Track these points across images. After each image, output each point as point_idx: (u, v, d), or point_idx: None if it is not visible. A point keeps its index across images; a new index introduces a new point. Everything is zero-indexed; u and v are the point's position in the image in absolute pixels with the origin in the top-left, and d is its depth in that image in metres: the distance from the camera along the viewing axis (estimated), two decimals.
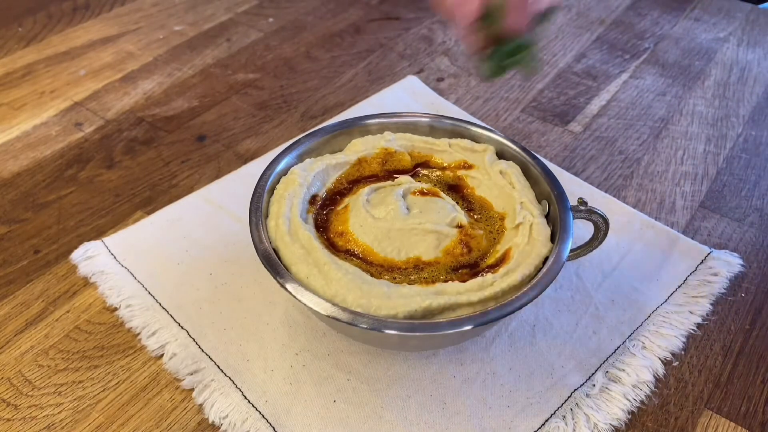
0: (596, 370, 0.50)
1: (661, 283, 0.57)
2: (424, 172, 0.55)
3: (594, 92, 0.81)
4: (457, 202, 0.52)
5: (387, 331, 0.41)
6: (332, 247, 0.48)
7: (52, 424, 0.47)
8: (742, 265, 0.59)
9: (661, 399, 0.49)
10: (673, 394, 0.50)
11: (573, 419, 0.47)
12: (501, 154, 0.55)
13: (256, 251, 0.46)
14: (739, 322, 0.55)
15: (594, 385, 0.49)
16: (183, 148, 0.73)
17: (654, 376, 0.50)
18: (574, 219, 0.48)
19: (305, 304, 0.43)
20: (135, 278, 0.56)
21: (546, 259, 0.46)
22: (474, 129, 0.56)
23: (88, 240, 0.61)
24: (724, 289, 0.57)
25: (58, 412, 0.48)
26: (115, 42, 0.91)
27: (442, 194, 0.52)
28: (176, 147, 0.73)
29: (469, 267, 0.48)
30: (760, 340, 0.54)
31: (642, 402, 0.49)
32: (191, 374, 0.50)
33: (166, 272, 0.57)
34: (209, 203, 0.64)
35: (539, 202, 0.51)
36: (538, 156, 0.54)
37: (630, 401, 0.48)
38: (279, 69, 0.86)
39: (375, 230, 0.48)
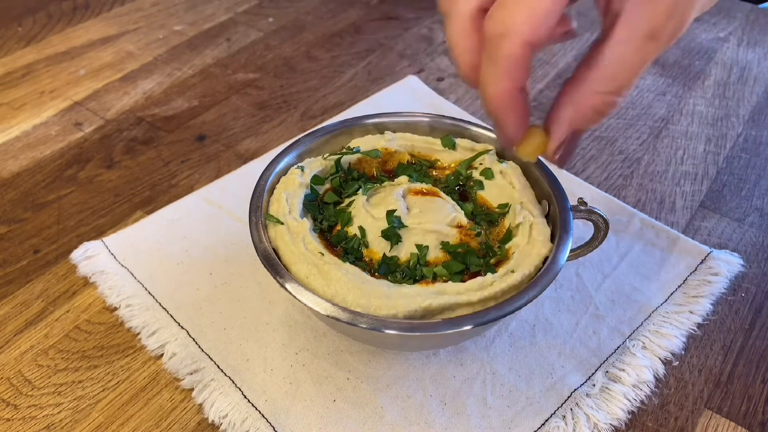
0: (596, 370, 0.50)
1: (661, 283, 0.57)
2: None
3: None
4: (457, 202, 0.52)
5: (387, 331, 0.41)
6: (332, 247, 0.48)
7: (52, 424, 0.47)
8: (742, 265, 0.59)
9: (661, 399, 0.49)
10: (673, 394, 0.50)
11: (573, 419, 0.47)
12: (501, 154, 0.55)
13: (256, 251, 0.46)
14: (739, 322, 0.55)
15: (594, 385, 0.49)
16: (183, 148, 0.73)
17: (654, 376, 0.50)
18: (574, 219, 0.48)
19: (305, 304, 0.43)
20: (135, 278, 0.56)
21: (546, 259, 0.46)
22: (474, 129, 0.56)
23: (88, 240, 0.61)
24: (724, 289, 0.57)
25: (58, 412, 0.48)
26: (114, 42, 0.91)
27: (442, 194, 0.51)
28: (176, 147, 0.73)
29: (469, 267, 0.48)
30: (760, 340, 0.54)
31: (642, 402, 0.49)
32: (191, 374, 0.50)
33: (165, 272, 0.57)
34: (209, 203, 0.64)
35: (539, 202, 0.51)
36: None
37: (630, 401, 0.48)
38: (279, 69, 0.86)
39: (375, 230, 0.48)
